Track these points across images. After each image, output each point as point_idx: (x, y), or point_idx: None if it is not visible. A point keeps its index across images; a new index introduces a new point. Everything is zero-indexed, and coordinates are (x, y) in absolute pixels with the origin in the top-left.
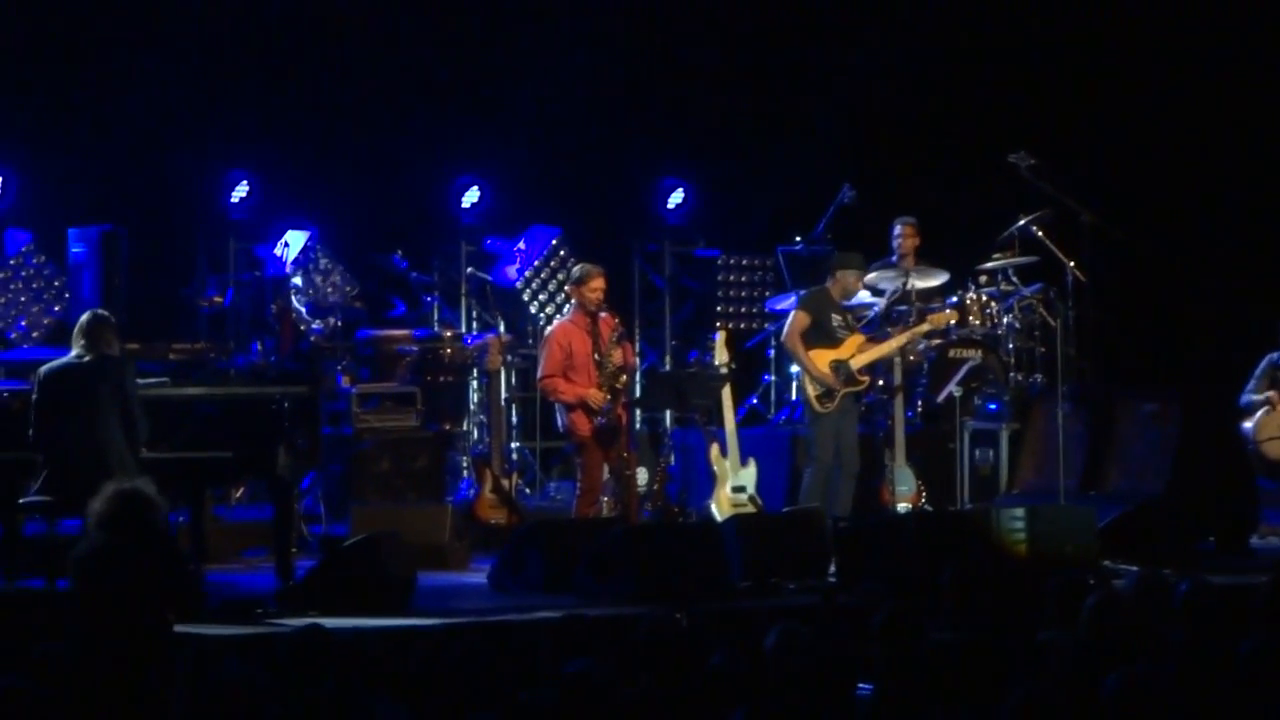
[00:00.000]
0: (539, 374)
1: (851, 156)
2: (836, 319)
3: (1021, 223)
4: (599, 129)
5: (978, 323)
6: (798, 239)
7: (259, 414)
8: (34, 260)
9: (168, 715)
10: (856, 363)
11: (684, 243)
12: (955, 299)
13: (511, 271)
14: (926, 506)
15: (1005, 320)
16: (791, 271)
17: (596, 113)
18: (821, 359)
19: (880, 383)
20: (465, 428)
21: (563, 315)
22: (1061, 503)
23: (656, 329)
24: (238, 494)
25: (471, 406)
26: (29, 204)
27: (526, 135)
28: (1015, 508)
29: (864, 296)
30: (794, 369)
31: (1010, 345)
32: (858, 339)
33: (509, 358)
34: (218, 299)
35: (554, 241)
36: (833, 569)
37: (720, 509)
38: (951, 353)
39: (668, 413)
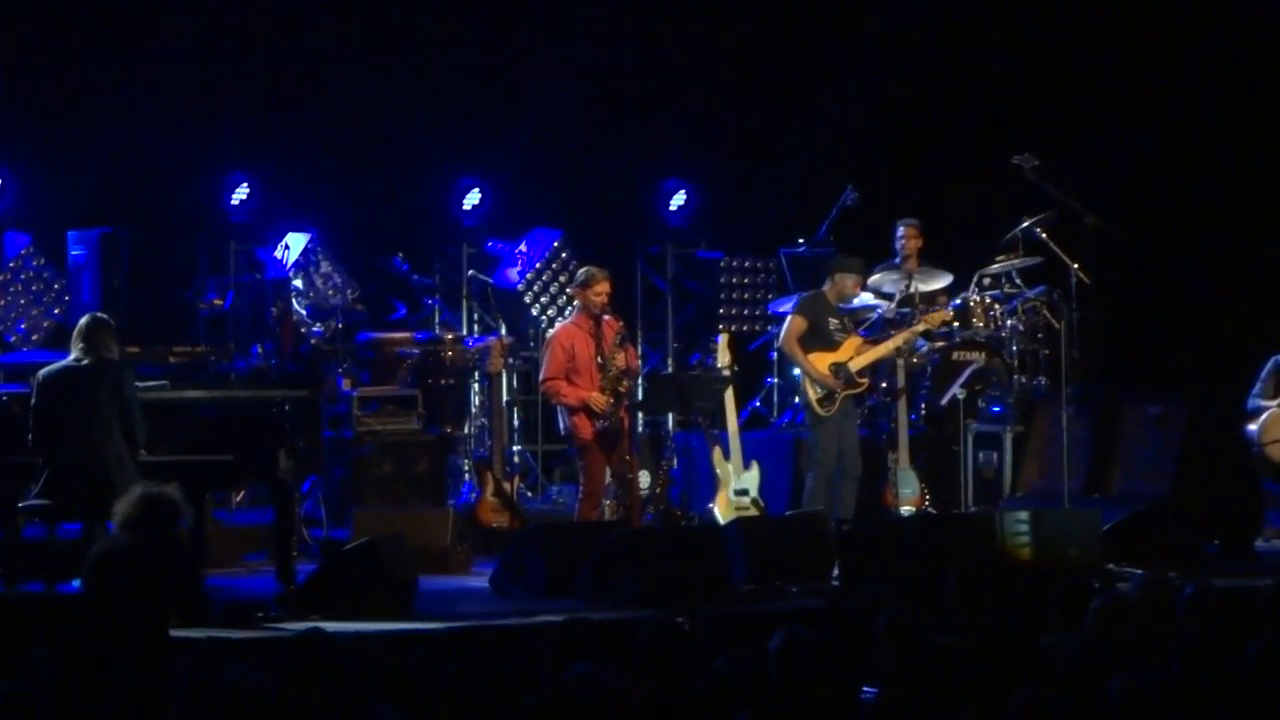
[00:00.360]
0: (541, 376)
1: (854, 158)
2: (834, 322)
3: (1025, 225)
4: (601, 131)
5: (981, 325)
6: (800, 241)
7: (259, 417)
8: (33, 263)
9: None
10: (855, 365)
11: (686, 245)
12: (959, 301)
13: (513, 274)
14: (930, 509)
15: (1009, 323)
16: (794, 273)
17: (598, 114)
18: (821, 362)
19: (884, 385)
20: (466, 431)
21: (565, 317)
22: (1066, 506)
23: (659, 331)
24: (238, 497)
25: (473, 409)
26: (28, 206)
27: (528, 137)
28: (1019, 511)
29: (868, 299)
30: (796, 372)
31: (1014, 348)
32: (855, 341)
33: (510, 360)
34: (218, 302)
35: (555, 244)
36: (836, 572)
37: (723, 512)
38: (955, 355)
39: (670, 416)
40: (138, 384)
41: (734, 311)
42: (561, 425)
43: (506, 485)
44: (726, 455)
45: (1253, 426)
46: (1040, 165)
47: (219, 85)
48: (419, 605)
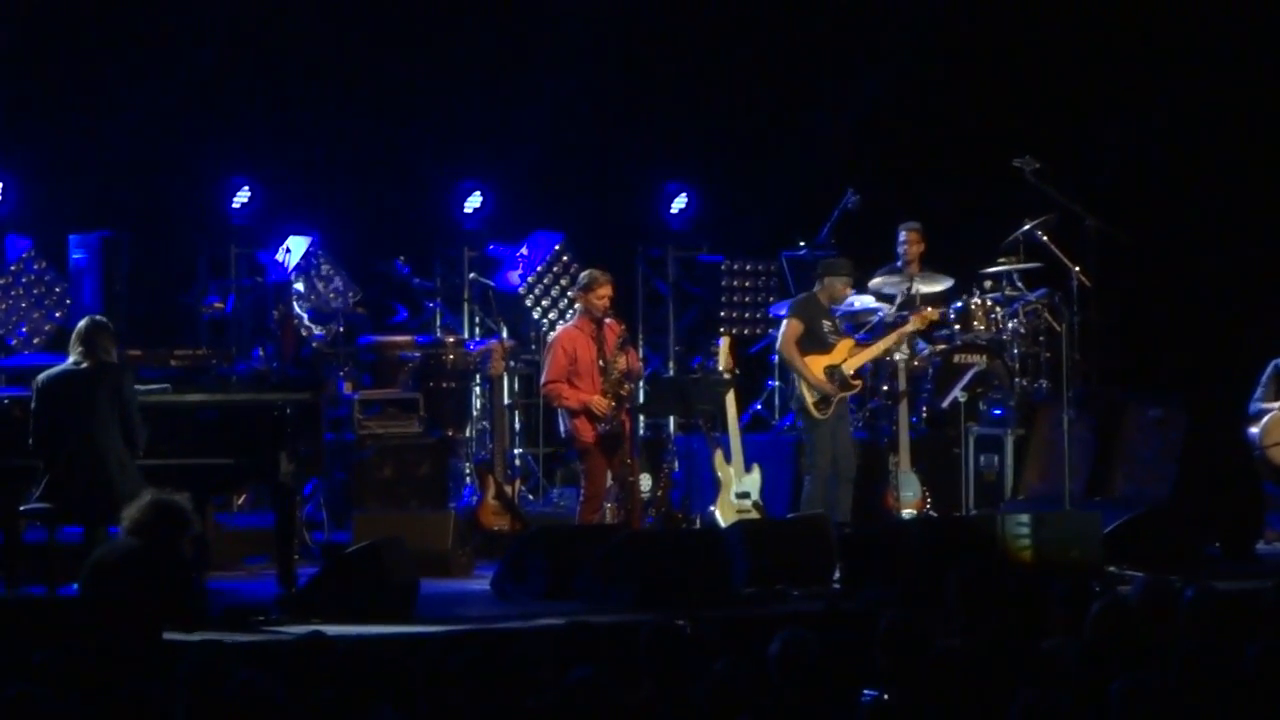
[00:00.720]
0: (543, 379)
1: (855, 161)
2: (827, 324)
3: (1026, 227)
4: (602, 134)
5: (983, 328)
6: (802, 244)
7: (261, 420)
8: (35, 266)
9: None
10: (849, 367)
11: (687, 248)
12: (960, 304)
13: (514, 277)
14: (931, 512)
15: (1010, 325)
16: (795, 277)
17: (599, 118)
18: (816, 365)
19: (885, 388)
20: (468, 434)
21: (566, 321)
22: (1067, 508)
23: (660, 335)
24: (239, 501)
25: (474, 412)
26: (30, 210)
27: (529, 140)
28: (1020, 513)
29: (869, 302)
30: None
31: (1015, 350)
32: (848, 343)
33: (511, 363)
34: (219, 305)
35: (557, 247)
36: (837, 575)
37: (724, 515)
38: (956, 358)
39: (671, 419)
40: (139, 387)
41: (735, 314)
42: (563, 428)
43: (508, 488)
44: (728, 458)
45: (1254, 429)
46: (1041, 168)
47: (220, 89)
48: (420, 608)
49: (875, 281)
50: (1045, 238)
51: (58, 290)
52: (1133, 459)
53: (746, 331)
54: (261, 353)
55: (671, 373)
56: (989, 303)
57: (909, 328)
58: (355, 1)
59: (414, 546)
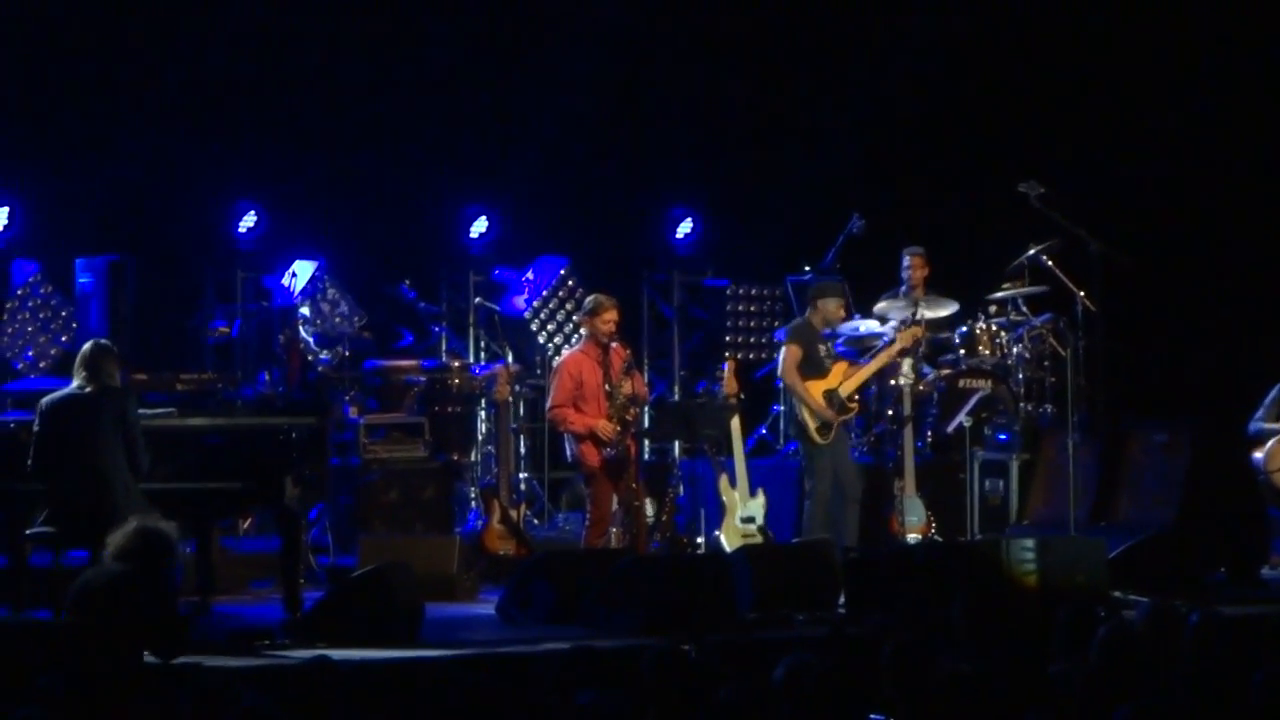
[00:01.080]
0: (549, 404)
1: (860, 186)
2: (822, 348)
3: (1031, 252)
4: (607, 159)
5: (987, 353)
6: (807, 269)
7: (266, 445)
8: (41, 290)
9: None
10: (845, 390)
11: (692, 272)
12: (965, 329)
13: (519, 301)
14: (936, 537)
15: (1015, 350)
16: (800, 301)
17: (605, 142)
18: (816, 390)
19: (890, 413)
20: (473, 458)
21: (572, 345)
22: (1072, 533)
23: (665, 359)
24: (245, 525)
25: (479, 437)
26: (36, 234)
27: (535, 165)
28: (1025, 538)
29: (874, 326)
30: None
31: (1020, 375)
32: (841, 366)
33: (517, 388)
34: (225, 329)
35: (562, 271)
36: (842, 600)
37: (729, 540)
38: (961, 383)
39: (676, 443)
40: (144, 411)
41: (740, 339)
42: (569, 453)
43: (513, 513)
44: (733, 483)
45: (1259, 454)
46: (1046, 193)
47: (226, 113)
48: (425, 633)
49: (880, 306)
50: (1050, 262)
51: (64, 314)
52: (1137, 484)
53: (751, 356)
54: (267, 377)
55: (676, 397)
56: (994, 327)
57: (896, 346)
58: (361, 27)
59: (419, 571)
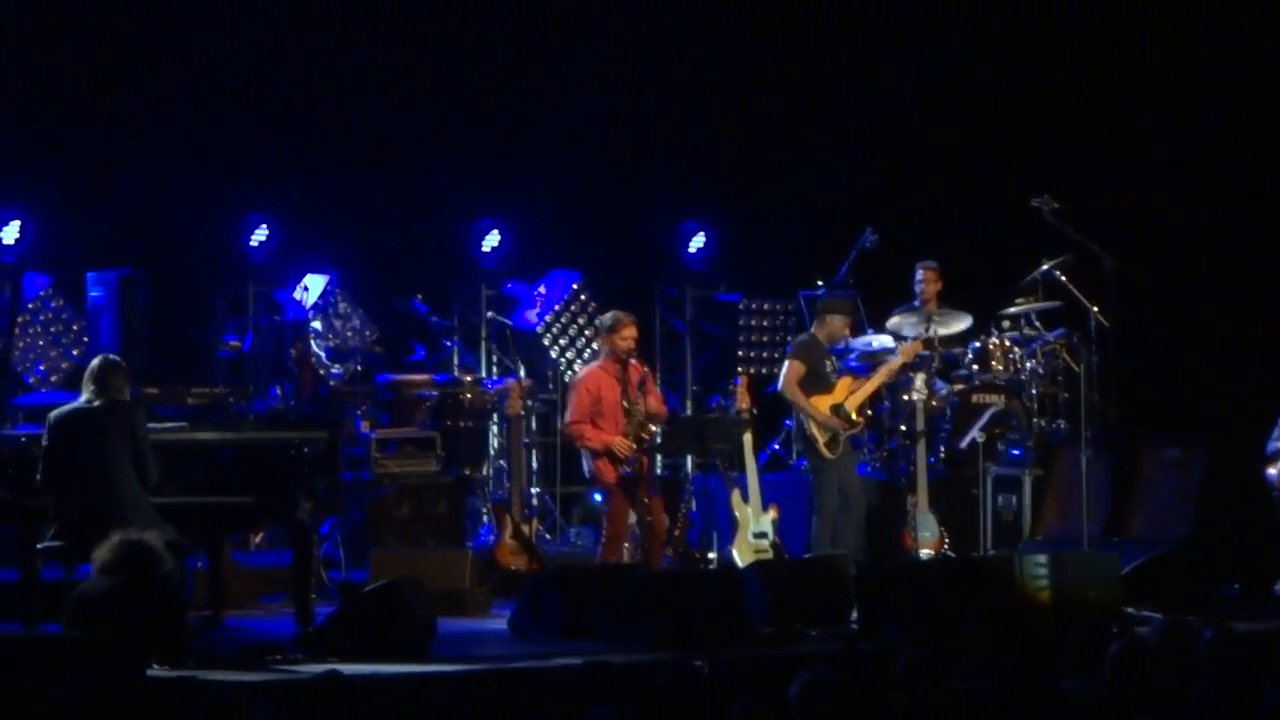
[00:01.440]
0: (566, 419)
1: (873, 200)
2: (828, 364)
3: (1044, 267)
4: (620, 173)
5: (1000, 368)
6: (820, 283)
7: (278, 459)
8: (52, 304)
9: None
10: (851, 404)
11: (705, 287)
12: (978, 344)
13: (532, 316)
14: (949, 553)
15: (1028, 365)
16: (812, 316)
17: (617, 156)
18: (822, 405)
19: (903, 428)
20: (485, 473)
21: (584, 360)
22: (1085, 549)
23: (677, 374)
24: (257, 539)
25: (492, 451)
26: (47, 247)
27: (547, 179)
28: (1038, 554)
29: (886, 341)
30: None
31: (1033, 390)
32: (846, 381)
33: (529, 402)
34: (237, 343)
35: (574, 286)
36: (855, 615)
37: (742, 555)
38: (974, 398)
39: (689, 458)
40: (156, 425)
41: (753, 354)
42: (586, 468)
43: (525, 527)
44: (745, 498)
45: (1272, 470)
46: (1059, 208)
47: (238, 127)
48: (437, 647)
49: (893, 321)
50: (1063, 278)
51: (75, 328)
52: (1151, 499)
53: (764, 371)
54: (279, 391)
55: (689, 412)
56: (1007, 343)
57: (897, 362)
58: (374, 40)
59: (431, 585)
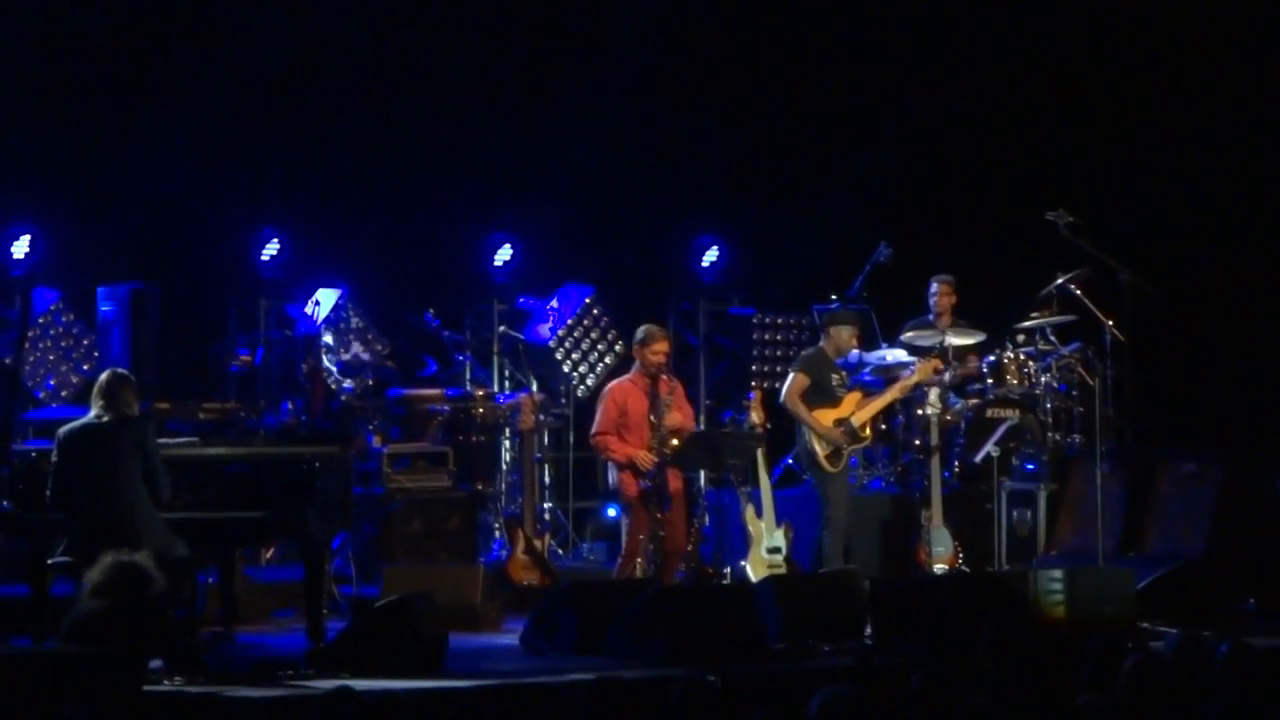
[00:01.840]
0: (592, 430)
1: (888, 214)
2: (834, 378)
3: (1060, 281)
4: (633, 187)
5: (1015, 382)
6: (834, 297)
7: (290, 474)
8: (63, 319)
9: None
10: (858, 419)
11: (719, 301)
12: (993, 358)
13: (544, 330)
14: (964, 568)
15: (1043, 380)
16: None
17: (630, 170)
18: (826, 418)
19: (917, 442)
20: (497, 488)
21: (598, 374)
22: (1100, 564)
23: (691, 388)
24: (268, 554)
25: (504, 466)
26: (58, 262)
27: (559, 193)
28: (1053, 569)
29: (901, 355)
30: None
31: (1048, 405)
32: (855, 396)
33: (541, 417)
34: (248, 358)
35: (587, 300)
36: (869, 630)
37: (755, 570)
38: (989, 413)
39: (702, 473)
40: (168, 440)
41: (767, 368)
42: (610, 480)
43: (537, 542)
44: (759, 513)
45: None
46: (1074, 222)
47: (250, 141)
48: (449, 663)
49: (907, 335)
50: (1079, 291)
51: (86, 343)
52: (1166, 514)
53: (778, 385)
54: (290, 406)
55: (702, 427)
56: (1022, 357)
57: (912, 379)
58: (385, 54)
59: (443, 601)
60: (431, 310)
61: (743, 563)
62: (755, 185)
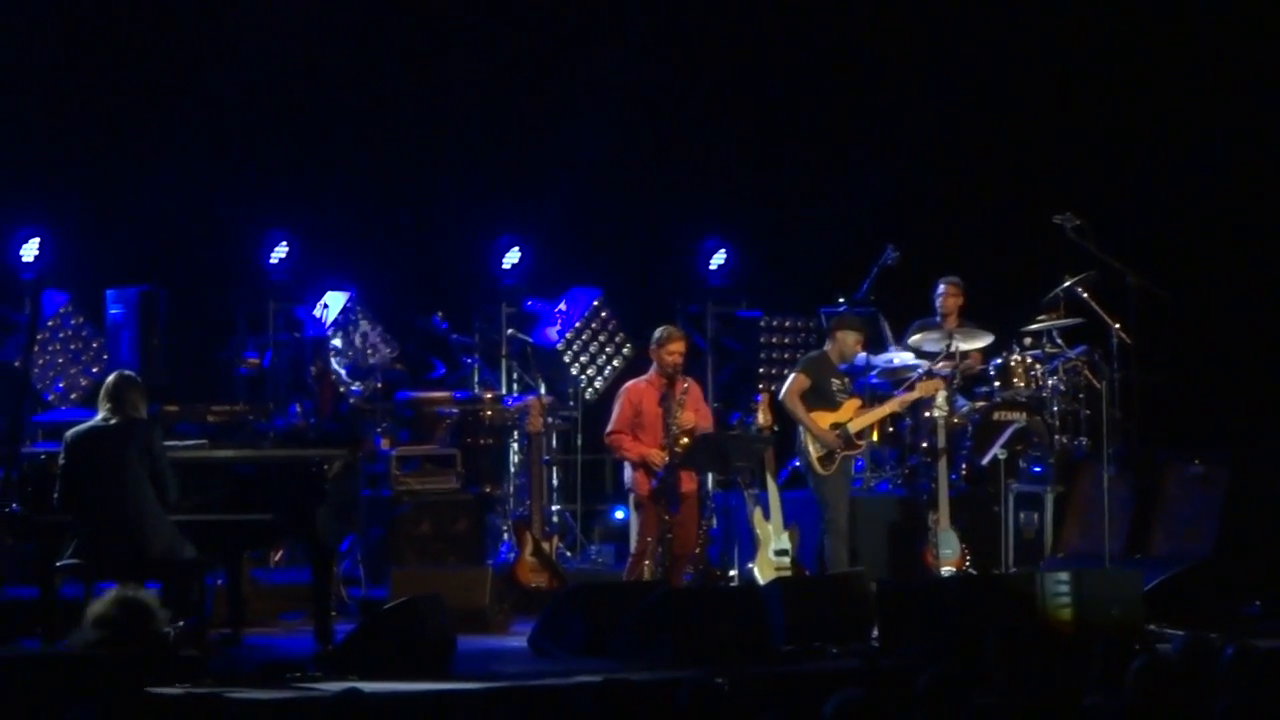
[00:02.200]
0: (607, 429)
1: (895, 217)
2: (836, 383)
3: (1066, 284)
4: (640, 190)
5: (1022, 385)
6: (841, 300)
7: (298, 476)
8: (72, 321)
9: None
10: (854, 426)
11: (726, 303)
12: (1000, 361)
13: (552, 333)
14: (971, 570)
15: (1050, 382)
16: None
17: (638, 173)
18: (822, 420)
19: (924, 445)
20: (505, 490)
21: (606, 376)
22: (1107, 566)
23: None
24: (276, 556)
25: (512, 469)
26: (67, 265)
27: (567, 196)
28: (1060, 571)
29: (908, 358)
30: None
31: (1055, 407)
32: (855, 402)
33: (549, 419)
34: (256, 360)
35: (595, 303)
36: (876, 633)
37: (762, 572)
38: (996, 415)
39: (710, 475)
40: (176, 443)
41: (774, 371)
42: (627, 479)
43: (545, 545)
44: (766, 515)
45: None
46: (1081, 225)
47: (258, 144)
48: (457, 665)
49: (915, 337)
50: (1085, 294)
51: (95, 345)
52: (1173, 517)
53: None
54: (299, 408)
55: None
56: (1029, 359)
57: (912, 396)
58: (394, 58)
59: (451, 603)
60: (440, 313)
61: (750, 565)
62: (763, 188)
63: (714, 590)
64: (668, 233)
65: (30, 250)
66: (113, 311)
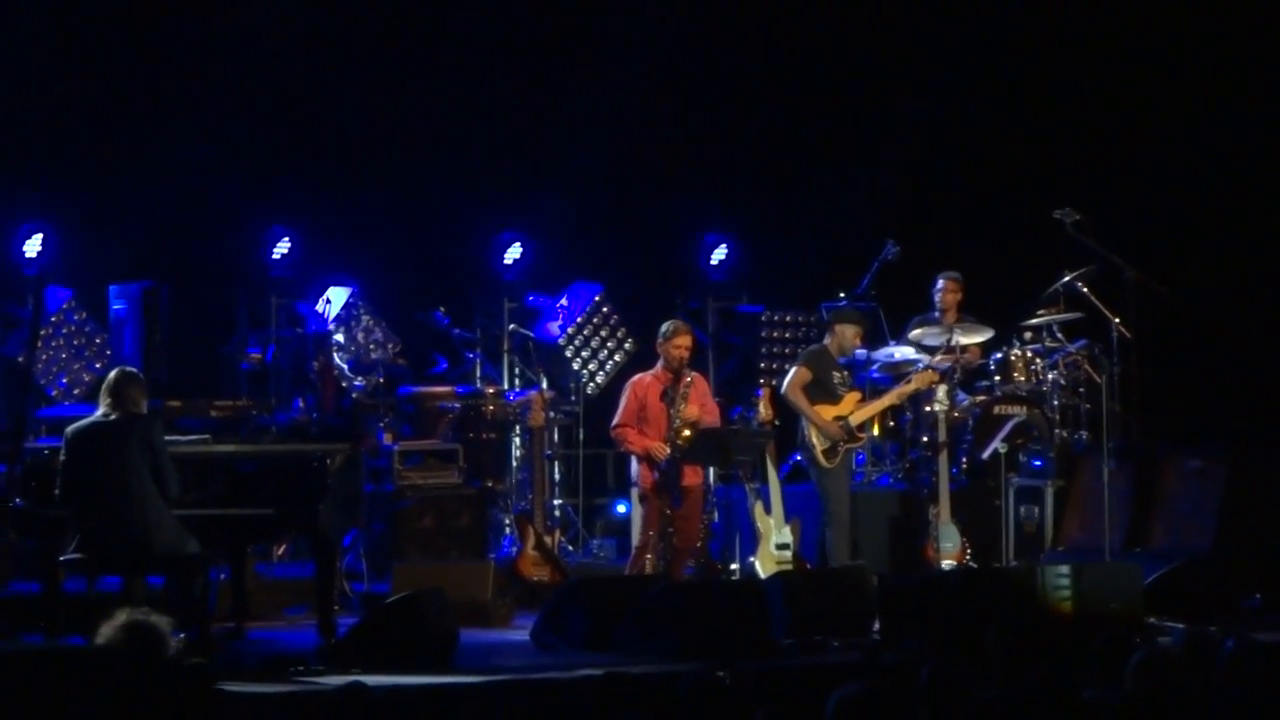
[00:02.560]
0: (613, 421)
1: (895, 212)
2: (836, 376)
3: (1066, 279)
4: (642, 185)
5: (1022, 379)
6: (841, 295)
7: (300, 471)
8: (75, 317)
9: None
10: (855, 419)
11: (727, 299)
12: (1000, 355)
13: (554, 328)
14: (971, 564)
15: (1050, 376)
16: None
17: (639, 168)
18: (825, 413)
19: (925, 439)
20: (507, 484)
21: (608, 371)
22: (1107, 560)
23: None
24: (279, 551)
25: (514, 463)
26: (70, 261)
27: (569, 191)
28: (1060, 565)
29: (909, 353)
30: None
31: (1055, 402)
32: (855, 395)
33: (551, 414)
34: (259, 356)
35: (596, 298)
36: (877, 626)
37: (764, 566)
38: (996, 409)
39: (711, 469)
40: (179, 438)
41: (775, 365)
42: (632, 472)
43: (547, 539)
44: (768, 509)
45: None
46: (1081, 220)
47: (260, 139)
48: (460, 659)
49: (915, 333)
50: (1085, 289)
51: (98, 341)
52: (1173, 510)
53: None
54: (301, 403)
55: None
56: (1029, 354)
57: (910, 388)
58: (395, 53)
59: (453, 597)
60: (442, 308)
61: (751, 559)
62: (764, 183)
63: (715, 584)
64: (669, 228)
65: (33, 246)
66: (115, 307)
